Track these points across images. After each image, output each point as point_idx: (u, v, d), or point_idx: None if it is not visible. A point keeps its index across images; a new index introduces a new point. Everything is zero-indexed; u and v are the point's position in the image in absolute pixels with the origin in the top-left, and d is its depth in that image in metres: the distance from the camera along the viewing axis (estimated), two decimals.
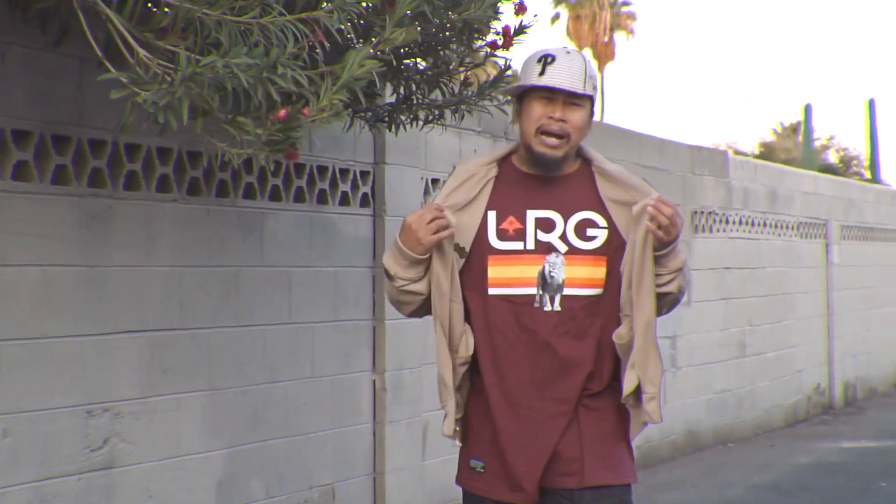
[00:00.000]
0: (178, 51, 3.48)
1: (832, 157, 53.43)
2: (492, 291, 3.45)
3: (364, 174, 6.16)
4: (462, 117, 5.27)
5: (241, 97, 3.53)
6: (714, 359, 10.13)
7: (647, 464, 8.83)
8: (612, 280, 3.44)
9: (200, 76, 3.35)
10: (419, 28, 4.35)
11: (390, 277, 3.49)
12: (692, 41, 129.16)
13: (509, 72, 5.06)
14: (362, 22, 4.15)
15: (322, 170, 5.86)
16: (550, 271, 3.43)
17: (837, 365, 13.08)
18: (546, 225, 3.47)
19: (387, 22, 3.71)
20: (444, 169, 6.70)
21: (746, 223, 10.94)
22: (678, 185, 9.62)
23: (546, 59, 3.45)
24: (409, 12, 3.76)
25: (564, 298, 3.42)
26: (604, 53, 58.65)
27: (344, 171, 6.00)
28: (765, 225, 11.36)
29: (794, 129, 59.53)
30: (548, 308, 3.42)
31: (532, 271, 3.43)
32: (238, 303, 5.31)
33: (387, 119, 5.22)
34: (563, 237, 3.46)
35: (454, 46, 4.83)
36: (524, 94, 3.49)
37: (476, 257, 3.46)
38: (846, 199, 13.80)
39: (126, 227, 4.76)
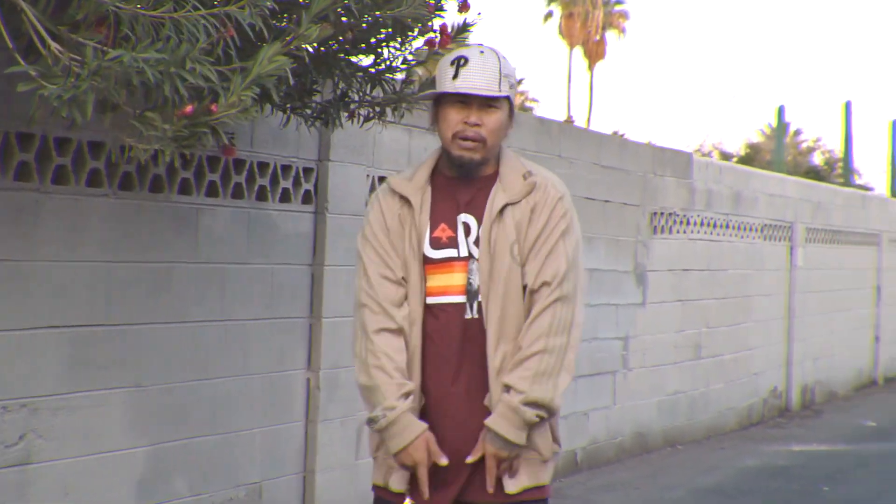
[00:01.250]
0: (89, 44, 3.47)
1: (817, 160, 53.61)
2: (429, 301, 3.50)
3: (307, 171, 6.15)
4: (402, 115, 5.27)
5: (150, 92, 3.54)
6: (668, 360, 10.17)
7: (592, 465, 8.89)
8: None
9: (107, 70, 3.33)
10: (351, 24, 4.35)
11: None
12: (685, 41, 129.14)
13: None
14: (285, 16, 4.15)
15: (263, 166, 5.85)
16: (469, 278, 3.49)
17: (796, 368, 13.15)
18: (466, 230, 3.54)
19: (301, 18, 3.71)
20: (392, 166, 6.69)
21: (708, 224, 10.97)
22: (638, 186, 9.64)
23: (459, 62, 3.47)
24: (331, 9, 3.75)
25: (479, 305, 3.48)
26: (595, 52, 58.74)
27: (286, 168, 6.00)
28: (727, 227, 11.39)
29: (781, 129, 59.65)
30: (468, 316, 3.49)
31: (462, 279, 3.50)
32: (169, 299, 5.31)
33: (323, 116, 5.22)
34: (478, 242, 3.51)
35: (394, 44, 4.83)
36: (440, 99, 3.52)
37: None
38: (814, 201, 13.85)
39: (53, 222, 4.75)
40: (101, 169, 4.95)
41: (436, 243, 3.53)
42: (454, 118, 3.48)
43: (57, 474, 4.80)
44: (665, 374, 10.14)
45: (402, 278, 3.53)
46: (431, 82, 5.02)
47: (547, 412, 3.44)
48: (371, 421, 3.47)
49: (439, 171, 3.62)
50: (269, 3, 3.50)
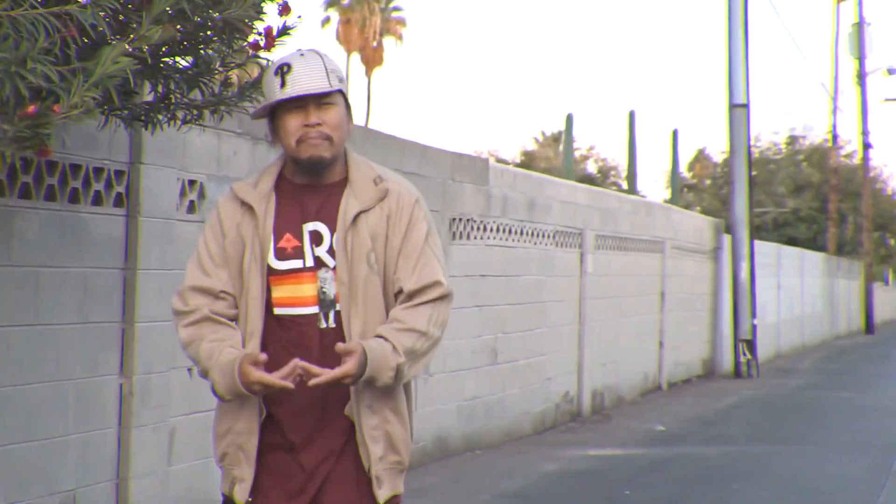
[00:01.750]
0: None
1: (592, 167, 55.26)
2: (278, 311, 3.53)
3: (119, 173, 6.20)
4: (221, 118, 5.31)
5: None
6: (466, 366, 10.49)
7: None
8: None
9: None
10: (178, 26, 4.41)
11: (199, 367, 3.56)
12: (462, 48, 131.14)
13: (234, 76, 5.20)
14: (122, 17, 4.19)
15: (76, 168, 5.89)
16: (322, 287, 3.51)
17: (587, 373, 13.67)
18: (317, 238, 3.54)
19: (143, 18, 3.78)
20: (201, 170, 6.80)
21: (504, 231, 11.35)
22: (438, 192, 9.93)
23: (283, 70, 3.50)
24: (168, 9, 3.83)
25: (337, 314, 3.50)
26: (372, 58, 59.24)
27: (98, 170, 6.04)
28: (522, 233, 11.80)
29: (555, 138, 61.18)
30: (324, 326, 3.50)
31: (313, 289, 3.51)
32: None
33: (143, 118, 5.26)
34: (332, 251, 3.52)
35: (216, 46, 4.89)
36: (275, 111, 3.54)
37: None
38: (603, 208, 14.42)
39: None
40: None
41: (281, 254, 3.53)
42: (293, 125, 3.50)
43: None
44: (463, 380, 10.46)
45: (222, 291, 3.55)
46: (251, 85, 5.17)
47: (394, 385, 3.47)
48: (192, 370, 3.51)
49: (285, 179, 3.61)
50: (110, 4, 3.57)
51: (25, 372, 5.56)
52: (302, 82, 3.48)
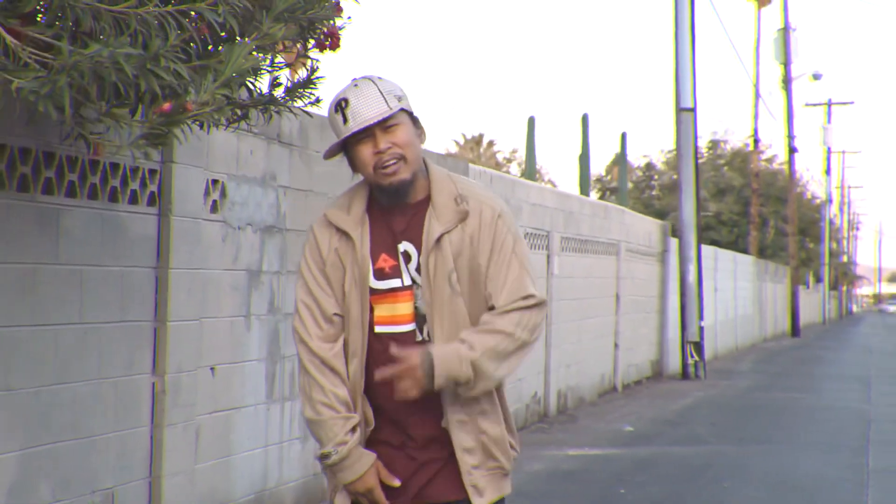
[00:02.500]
0: (44, 39, 3.59)
1: (515, 170, 55.75)
2: (378, 329, 3.68)
3: (152, 172, 6.29)
4: (270, 117, 5.40)
5: (119, 88, 3.67)
6: None
7: None
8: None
9: (83, 65, 3.43)
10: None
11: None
12: (404, 49, 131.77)
13: (319, 72, 5.27)
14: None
15: (114, 167, 5.96)
16: (417, 304, 3.67)
17: (553, 374, 13.90)
18: (407, 258, 3.68)
19: (264, 17, 3.89)
20: (222, 169, 6.90)
21: None
22: None
23: (342, 105, 3.59)
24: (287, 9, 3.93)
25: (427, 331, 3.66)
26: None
27: (135, 169, 6.12)
28: None
29: (476, 141, 61.60)
30: (419, 339, 3.66)
31: (408, 307, 3.67)
32: (34, 301, 5.37)
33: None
34: (419, 269, 3.66)
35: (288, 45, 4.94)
36: (347, 145, 3.64)
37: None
38: (567, 210, 14.66)
39: None
40: None
41: (380, 274, 3.66)
42: (366, 154, 3.60)
43: None
44: None
45: (335, 314, 3.69)
46: (301, 84, 5.26)
47: (481, 385, 3.60)
48: (324, 457, 3.64)
49: (373, 200, 3.73)
50: (238, 2, 3.67)
51: (71, 370, 5.63)
52: (362, 113, 3.56)
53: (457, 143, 60.80)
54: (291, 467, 7.85)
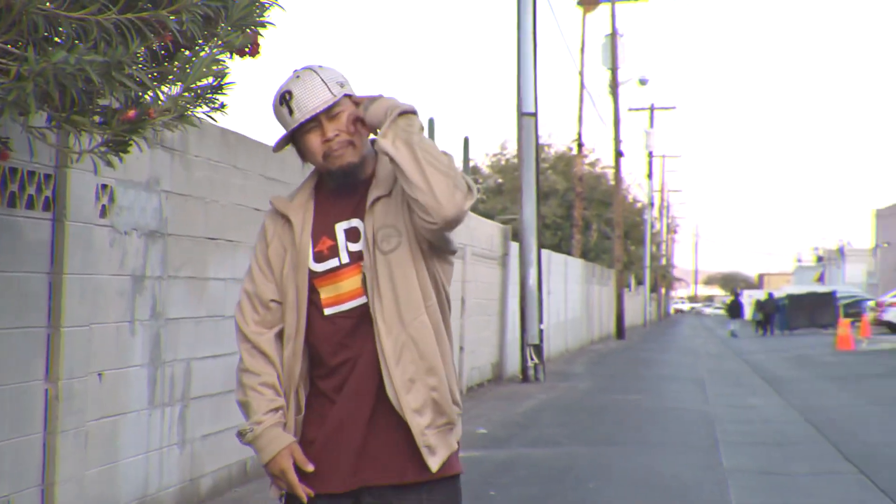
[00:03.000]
0: (6, 48, 3.66)
1: None
2: (328, 311, 3.72)
3: (47, 177, 6.29)
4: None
5: (74, 96, 3.72)
6: None
7: (258, 475, 9.33)
8: None
9: (46, 72, 3.47)
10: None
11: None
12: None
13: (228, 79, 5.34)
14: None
15: (13, 171, 5.96)
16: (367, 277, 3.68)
17: None
18: (355, 234, 3.71)
19: (222, 24, 3.97)
20: (111, 174, 6.92)
21: None
22: None
23: (286, 98, 3.66)
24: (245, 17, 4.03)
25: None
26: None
27: (31, 174, 6.13)
28: None
29: None
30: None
31: (354, 283, 3.70)
32: None
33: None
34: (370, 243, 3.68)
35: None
36: (294, 136, 3.72)
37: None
38: None
39: None
40: None
41: (319, 256, 3.72)
42: (315, 144, 3.68)
43: None
44: None
45: (272, 300, 3.75)
46: (214, 89, 5.34)
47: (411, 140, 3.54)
48: (240, 434, 3.72)
49: (322, 187, 3.81)
50: (200, 11, 3.77)
51: None
52: (307, 103, 3.64)
53: None
54: (171, 473, 7.90)
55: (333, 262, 3.72)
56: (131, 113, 3.81)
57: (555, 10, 44.34)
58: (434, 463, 3.71)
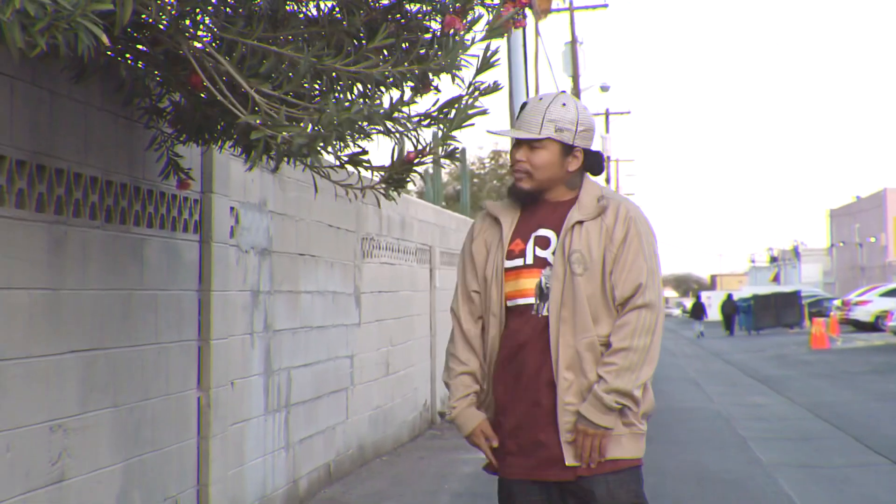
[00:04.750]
0: (278, 96, 4.22)
1: None
2: (508, 303, 4.36)
3: (195, 202, 6.84)
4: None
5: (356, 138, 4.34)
6: (373, 377, 11.34)
7: (339, 476, 9.91)
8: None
9: (345, 121, 4.07)
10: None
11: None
12: None
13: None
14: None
15: (174, 198, 6.51)
16: (545, 283, 4.29)
17: (438, 383, 14.67)
18: (544, 242, 4.33)
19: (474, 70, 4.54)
20: (236, 197, 7.47)
21: (390, 249, 12.26)
22: (354, 213, 10.75)
23: (523, 106, 4.37)
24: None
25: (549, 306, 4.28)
26: None
27: (185, 200, 6.67)
28: (399, 250, 12.73)
29: None
30: (540, 314, 4.29)
31: (530, 283, 4.32)
32: (128, 324, 5.89)
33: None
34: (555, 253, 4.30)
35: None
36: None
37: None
38: (442, 226, 15.48)
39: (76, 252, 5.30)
40: (96, 202, 5.52)
41: (510, 255, 4.34)
42: (512, 155, 4.39)
43: (82, 486, 5.34)
44: (371, 390, 11.31)
45: (474, 291, 4.45)
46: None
47: (629, 400, 4.19)
48: (442, 415, 4.59)
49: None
50: (461, 61, 4.33)
51: (151, 387, 6.17)
52: (519, 123, 4.35)
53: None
54: (280, 474, 8.45)
55: (519, 262, 4.35)
56: (411, 154, 4.41)
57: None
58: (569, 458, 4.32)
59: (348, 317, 10.47)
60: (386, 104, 4.36)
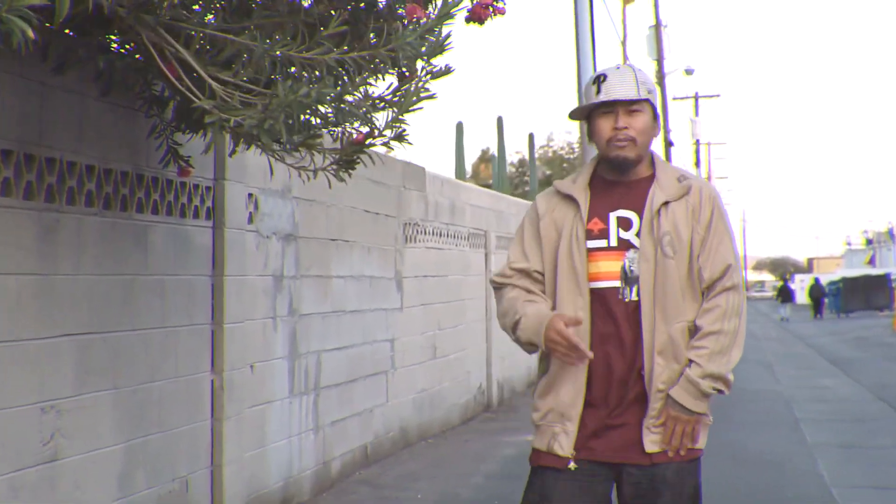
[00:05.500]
0: (236, 82, 4.31)
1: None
2: (591, 285, 4.09)
3: (208, 189, 6.97)
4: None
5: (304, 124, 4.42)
6: (417, 361, 11.44)
7: (377, 458, 10.02)
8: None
9: (293, 104, 4.14)
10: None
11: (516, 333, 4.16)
12: None
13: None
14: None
15: (182, 185, 6.64)
16: (629, 266, 4.07)
17: (493, 367, 14.75)
18: (626, 224, 4.11)
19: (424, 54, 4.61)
20: (255, 184, 7.59)
21: (437, 234, 12.33)
22: (394, 199, 10.85)
23: (600, 79, 4.11)
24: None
25: (639, 289, 4.06)
26: None
27: (195, 187, 6.80)
28: (448, 235, 12.80)
29: None
30: (627, 299, 4.07)
31: (614, 266, 4.08)
32: (132, 309, 6.03)
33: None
34: (639, 234, 4.07)
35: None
36: (591, 114, 4.16)
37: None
38: (498, 210, 15.52)
39: (65, 239, 5.44)
40: (93, 190, 5.66)
41: (588, 235, 4.09)
42: (605, 127, 4.10)
43: (73, 468, 5.49)
44: (415, 374, 11.40)
45: (536, 272, 4.19)
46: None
47: (723, 384, 4.04)
48: (516, 324, 4.11)
49: (598, 175, 4.23)
50: (412, 51, 4.39)
51: (157, 370, 6.31)
52: (614, 90, 4.07)
53: None
54: (308, 456, 8.57)
55: (601, 243, 4.10)
56: (360, 136, 4.47)
57: (608, 6, 44.69)
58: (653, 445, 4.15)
59: (388, 301, 10.56)
60: (346, 90, 4.42)
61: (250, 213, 7.59)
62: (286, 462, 8.17)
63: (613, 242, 4.09)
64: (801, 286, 72.09)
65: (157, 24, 4.33)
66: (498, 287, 4.33)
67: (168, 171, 6.27)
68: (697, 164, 76.49)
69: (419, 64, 4.44)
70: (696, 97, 75.33)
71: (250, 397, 7.52)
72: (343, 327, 9.34)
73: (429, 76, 4.42)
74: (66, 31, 4.90)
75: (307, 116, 4.38)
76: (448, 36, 4.37)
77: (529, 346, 4.15)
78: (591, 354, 3.98)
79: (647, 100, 4.11)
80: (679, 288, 4.09)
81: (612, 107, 4.10)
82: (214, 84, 4.31)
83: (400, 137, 4.54)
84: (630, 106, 4.10)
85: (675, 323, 4.08)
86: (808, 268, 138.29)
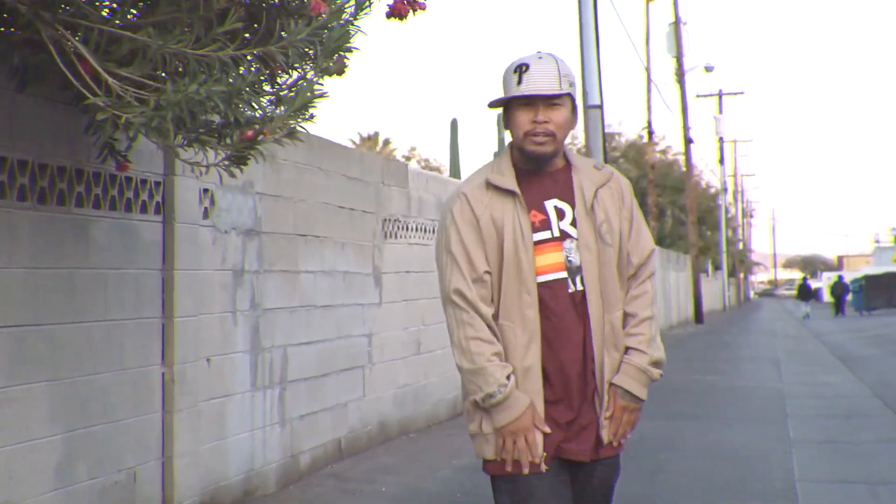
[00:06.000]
0: (134, 78, 4.37)
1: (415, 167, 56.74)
2: (539, 279, 4.03)
3: (157, 184, 7.04)
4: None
5: (198, 120, 4.47)
6: (398, 356, 11.49)
7: (352, 452, 10.07)
8: None
9: (181, 101, 4.20)
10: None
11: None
12: None
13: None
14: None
15: (128, 180, 6.71)
16: (568, 256, 4.05)
17: None
18: (560, 214, 4.08)
19: (318, 53, 4.66)
20: (211, 179, 7.66)
21: (421, 230, 12.37)
22: (373, 195, 10.90)
23: (521, 69, 3.98)
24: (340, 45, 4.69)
25: (582, 279, 4.05)
26: None
27: (143, 181, 6.88)
28: (433, 231, 12.85)
29: (373, 139, 62.37)
30: (572, 289, 4.05)
31: (559, 257, 4.04)
32: (72, 302, 6.11)
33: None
34: (573, 224, 4.07)
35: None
36: (509, 103, 4.05)
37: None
38: None
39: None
40: (26, 184, 5.74)
41: (532, 228, 4.03)
42: (523, 119, 3.99)
43: None
44: (397, 369, 11.45)
45: (486, 272, 4.00)
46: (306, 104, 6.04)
47: (662, 369, 4.12)
48: (488, 397, 3.90)
49: (516, 167, 4.12)
50: (303, 46, 4.46)
51: (100, 362, 6.38)
52: (536, 83, 3.96)
53: (353, 141, 61.36)
54: (273, 449, 8.64)
55: (546, 235, 4.05)
56: (250, 132, 4.53)
57: (614, 3, 44.36)
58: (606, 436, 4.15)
59: (365, 296, 10.62)
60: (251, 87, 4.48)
61: (205, 208, 7.65)
62: (248, 455, 8.23)
63: (556, 233, 4.06)
64: (827, 283, 71.78)
65: (54, 21, 4.40)
66: (456, 307, 4.04)
67: (107, 166, 6.34)
68: (721, 161, 76.44)
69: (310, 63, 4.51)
70: (720, 94, 75.20)
71: (206, 390, 7.58)
72: (314, 322, 9.40)
73: (321, 74, 4.47)
74: None
75: (206, 115, 4.43)
76: (346, 35, 4.43)
77: (478, 396, 3.99)
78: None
79: (568, 94, 4.04)
80: (614, 275, 4.11)
81: (532, 99, 4.01)
82: (111, 80, 4.38)
83: (292, 135, 4.59)
84: (551, 100, 4.01)
85: (615, 311, 4.11)
86: (838, 265, 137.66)
